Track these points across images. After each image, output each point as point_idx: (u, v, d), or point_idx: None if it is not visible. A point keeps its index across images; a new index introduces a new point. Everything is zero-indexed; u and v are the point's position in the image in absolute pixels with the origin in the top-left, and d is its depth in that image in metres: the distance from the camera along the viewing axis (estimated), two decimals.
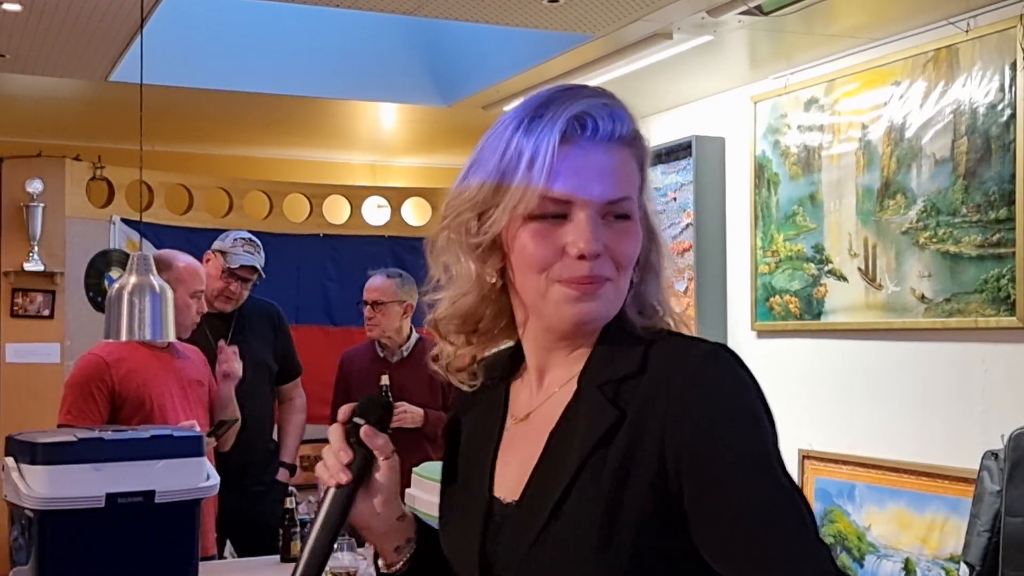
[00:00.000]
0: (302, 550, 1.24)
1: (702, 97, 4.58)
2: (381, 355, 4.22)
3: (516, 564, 1.17)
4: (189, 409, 3.41)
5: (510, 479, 1.22)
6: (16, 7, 3.37)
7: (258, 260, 4.06)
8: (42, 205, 4.85)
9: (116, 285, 2.75)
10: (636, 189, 1.21)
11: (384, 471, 1.25)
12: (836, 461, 3.80)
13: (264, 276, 4.13)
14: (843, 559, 3.69)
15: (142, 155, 2.95)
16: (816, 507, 3.83)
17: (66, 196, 5.00)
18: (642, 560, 1.11)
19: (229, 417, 3.64)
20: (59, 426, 3.16)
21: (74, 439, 2.16)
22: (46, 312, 4.89)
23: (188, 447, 2.23)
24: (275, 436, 4.25)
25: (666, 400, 1.12)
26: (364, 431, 1.24)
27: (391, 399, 1.24)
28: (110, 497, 2.11)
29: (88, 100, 4.81)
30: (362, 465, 1.24)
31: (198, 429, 3.35)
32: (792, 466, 3.90)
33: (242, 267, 4.01)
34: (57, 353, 4.85)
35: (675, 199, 4.51)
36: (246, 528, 3.88)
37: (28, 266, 4.82)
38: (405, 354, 4.21)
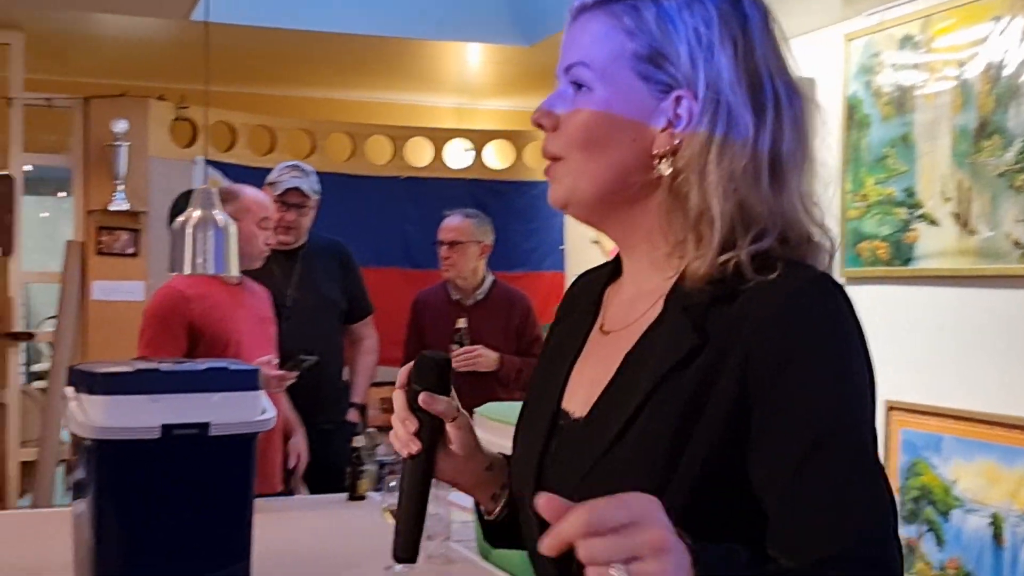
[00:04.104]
0: (396, 523, 1.20)
1: (793, 36, 4.37)
2: (455, 298, 4.17)
3: (575, 481, 1.09)
4: (263, 345, 3.41)
5: (581, 393, 1.15)
6: None
7: (305, 183, 3.99)
8: (126, 144, 4.88)
9: (180, 219, 2.74)
10: (610, 52, 1.11)
11: (453, 433, 1.20)
12: (923, 412, 3.66)
13: (314, 197, 4.02)
14: (928, 513, 3.57)
15: (208, 94, 2.94)
16: (901, 459, 3.71)
17: (149, 136, 5.03)
18: (705, 492, 1.02)
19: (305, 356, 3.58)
20: (138, 358, 3.19)
21: (131, 370, 2.15)
22: (130, 251, 4.95)
23: (244, 380, 2.20)
24: (345, 376, 4.24)
25: (753, 328, 1.02)
26: (422, 399, 1.17)
27: (449, 358, 1.18)
28: (166, 428, 2.09)
29: (172, 41, 4.83)
30: (431, 429, 1.19)
31: (275, 363, 3.35)
32: (878, 417, 3.77)
33: (287, 191, 3.95)
34: (141, 291, 4.90)
35: None
36: (316, 466, 3.89)
37: (113, 205, 4.88)
38: (480, 297, 4.16)
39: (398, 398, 1.19)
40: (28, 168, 5.72)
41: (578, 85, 1.12)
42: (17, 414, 4.97)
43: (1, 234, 4.84)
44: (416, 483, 1.19)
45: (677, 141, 1.09)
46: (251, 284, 3.54)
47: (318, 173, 4.25)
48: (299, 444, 3.69)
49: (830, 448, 1.00)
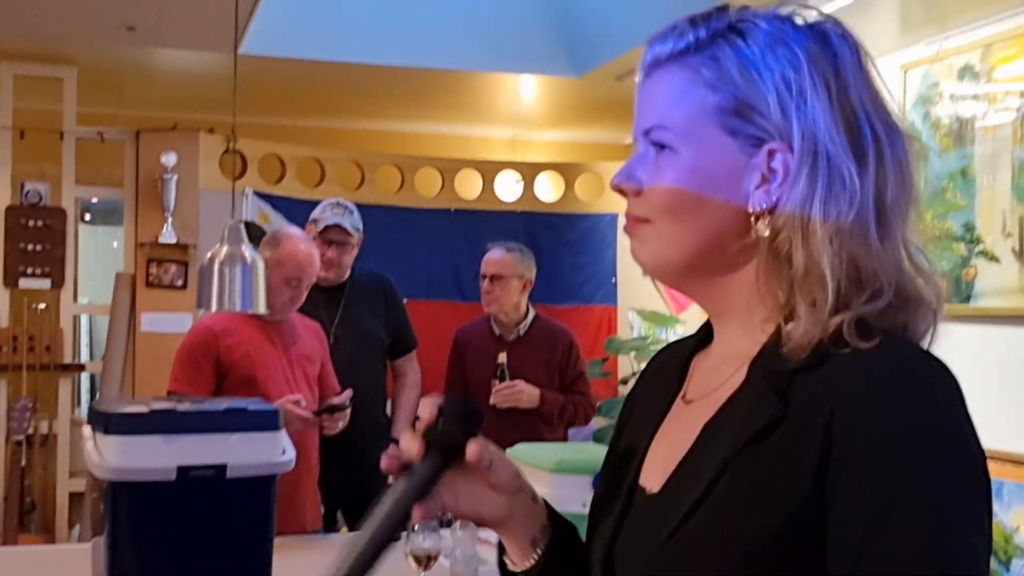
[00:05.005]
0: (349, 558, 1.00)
1: None
2: (497, 333, 4.10)
3: (641, 564, 1.00)
4: (295, 385, 3.36)
5: (657, 467, 1.06)
6: None
7: (346, 220, 3.92)
8: (176, 177, 4.90)
9: (208, 255, 2.71)
10: (691, 109, 1.01)
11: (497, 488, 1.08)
12: None
13: (356, 235, 3.94)
14: None
15: (235, 126, 2.92)
16: None
17: (200, 169, 5.04)
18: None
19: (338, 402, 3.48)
20: (168, 393, 3.17)
21: (146, 410, 2.11)
22: (179, 283, 4.95)
23: (264, 421, 2.15)
24: (388, 412, 4.18)
25: (840, 403, 0.92)
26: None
27: (481, 408, 1.02)
28: (181, 470, 2.05)
29: (222, 74, 4.84)
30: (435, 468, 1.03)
31: (304, 404, 3.28)
32: None
33: (327, 228, 3.90)
34: (189, 323, 4.88)
35: None
36: (357, 502, 3.83)
37: (162, 238, 4.89)
38: (522, 332, 4.09)
39: (410, 437, 1.04)
40: (95, 200, 5.79)
41: (660, 146, 1.03)
42: (67, 445, 5.00)
43: (52, 266, 4.87)
44: (397, 515, 1.00)
45: (775, 198, 1.00)
46: (297, 322, 3.50)
47: (368, 206, 4.20)
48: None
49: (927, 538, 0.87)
